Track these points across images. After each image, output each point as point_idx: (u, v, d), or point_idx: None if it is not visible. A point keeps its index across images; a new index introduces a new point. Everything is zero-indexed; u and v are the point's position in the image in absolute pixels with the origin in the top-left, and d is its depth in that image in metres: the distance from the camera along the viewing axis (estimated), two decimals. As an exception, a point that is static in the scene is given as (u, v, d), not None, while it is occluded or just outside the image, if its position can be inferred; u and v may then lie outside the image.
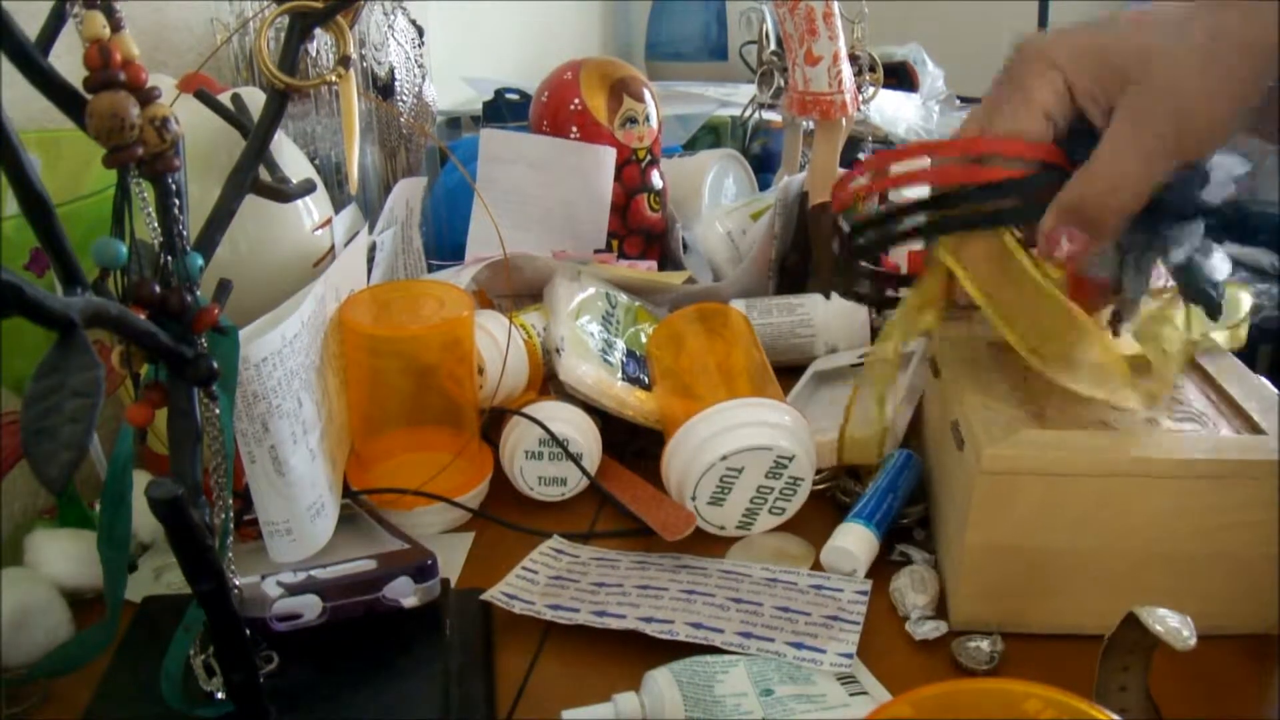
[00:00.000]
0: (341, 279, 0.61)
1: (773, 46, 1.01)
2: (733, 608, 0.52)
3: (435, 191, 0.95)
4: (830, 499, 0.64)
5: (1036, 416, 0.53)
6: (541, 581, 0.56)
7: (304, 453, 0.53)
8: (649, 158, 0.89)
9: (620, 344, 0.74)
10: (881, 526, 0.57)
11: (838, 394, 0.76)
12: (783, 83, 0.97)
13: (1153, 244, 0.46)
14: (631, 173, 0.87)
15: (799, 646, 0.49)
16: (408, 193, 0.78)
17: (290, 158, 0.67)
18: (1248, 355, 0.63)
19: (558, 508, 0.65)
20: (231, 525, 0.45)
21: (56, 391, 0.29)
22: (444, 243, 0.92)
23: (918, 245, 0.53)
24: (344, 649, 0.50)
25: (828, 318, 0.84)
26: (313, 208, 0.67)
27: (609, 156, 0.85)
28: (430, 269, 0.83)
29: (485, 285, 0.78)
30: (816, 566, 0.57)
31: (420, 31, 0.92)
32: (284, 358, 0.51)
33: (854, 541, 0.56)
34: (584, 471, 0.64)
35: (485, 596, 0.54)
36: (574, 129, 0.86)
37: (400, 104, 0.90)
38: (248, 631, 0.44)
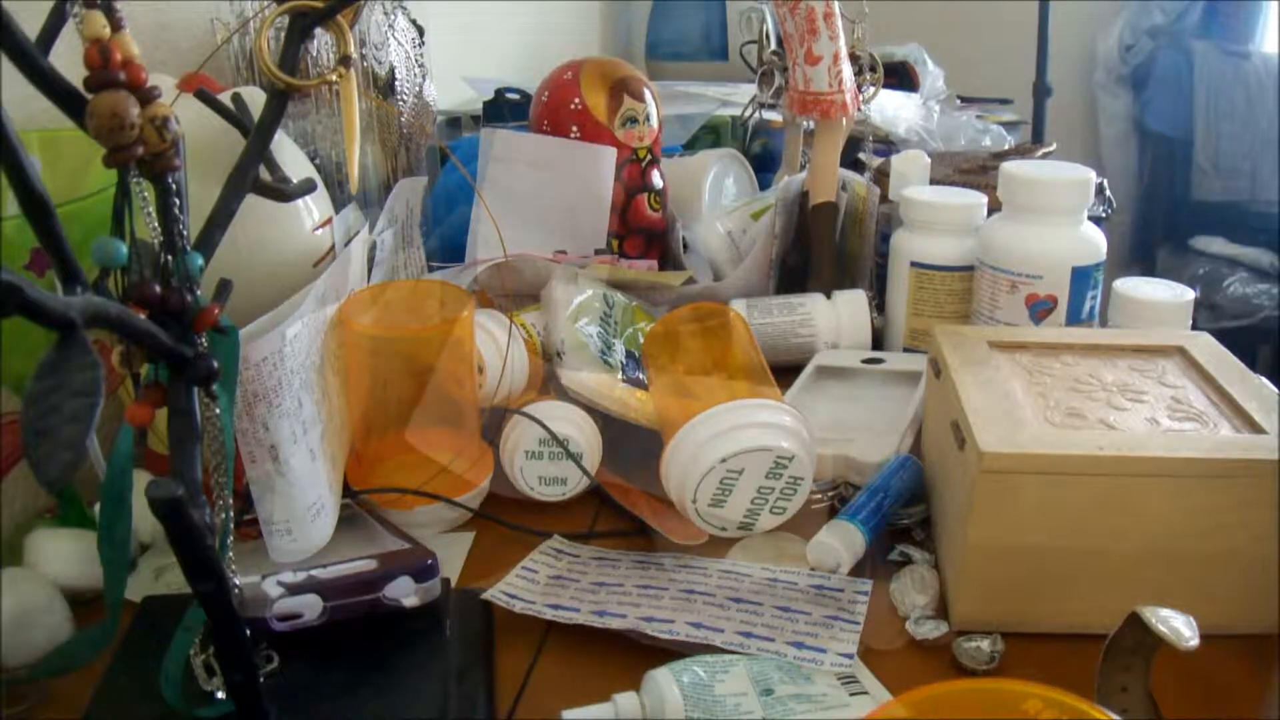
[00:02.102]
0: (341, 279, 0.61)
1: (773, 46, 1.01)
2: (733, 607, 0.52)
3: (435, 191, 0.95)
4: (830, 507, 0.64)
5: (1037, 415, 0.53)
6: (542, 581, 0.56)
7: (304, 452, 0.53)
8: (649, 157, 0.89)
9: (619, 345, 0.74)
10: (870, 524, 0.57)
11: (840, 391, 0.76)
12: (783, 82, 0.97)
13: None
14: (631, 172, 0.87)
15: (799, 646, 0.49)
16: (407, 192, 0.78)
17: (290, 157, 0.67)
18: (1248, 355, 0.63)
19: (558, 508, 0.65)
20: (231, 525, 0.45)
21: (56, 391, 0.29)
22: (444, 243, 0.92)
23: None
24: (344, 648, 0.50)
25: (829, 317, 0.84)
26: (313, 207, 0.67)
27: (611, 156, 0.85)
28: (430, 269, 0.83)
29: (486, 285, 0.78)
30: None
31: (420, 31, 0.92)
32: (284, 357, 0.51)
33: (837, 536, 0.56)
34: (584, 471, 0.64)
35: (485, 595, 0.54)
36: (574, 129, 0.86)
37: (400, 104, 0.90)
38: (248, 631, 0.44)
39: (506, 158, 0.85)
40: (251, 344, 0.49)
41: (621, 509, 0.63)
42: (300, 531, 0.52)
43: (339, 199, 0.78)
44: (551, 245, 0.85)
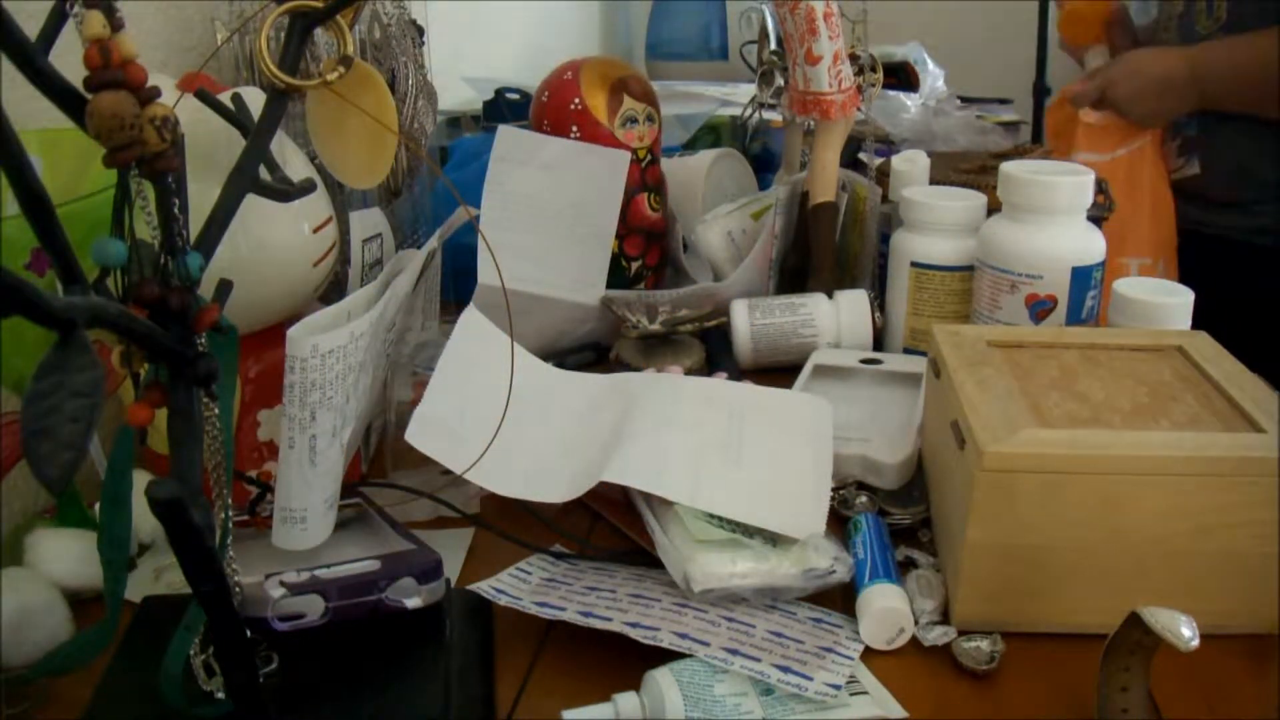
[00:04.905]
0: (405, 288, 0.61)
1: (773, 46, 1.01)
2: (723, 624, 0.51)
3: (436, 189, 0.95)
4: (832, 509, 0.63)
5: (1037, 415, 0.53)
6: (534, 582, 0.56)
7: (337, 447, 0.53)
8: (649, 157, 0.89)
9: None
10: (893, 574, 0.55)
11: (838, 390, 0.76)
12: (783, 82, 0.97)
13: None
14: (632, 172, 0.87)
15: (785, 670, 0.48)
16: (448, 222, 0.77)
17: (290, 157, 0.67)
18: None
19: (558, 511, 0.65)
20: (231, 525, 0.45)
21: (56, 391, 0.29)
22: (446, 243, 0.92)
23: None
24: (344, 648, 0.50)
25: (831, 317, 0.84)
26: (313, 207, 0.67)
27: (624, 160, 0.85)
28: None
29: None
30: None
31: (420, 31, 0.91)
32: (347, 353, 0.51)
33: (897, 598, 0.53)
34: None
35: (472, 587, 0.54)
36: (574, 129, 0.86)
37: (400, 104, 0.90)
38: (250, 631, 0.44)
39: (518, 159, 0.85)
40: (323, 335, 0.49)
41: (623, 509, 0.63)
42: (313, 523, 0.52)
43: (339, 199, 0.77)
44: (555, 246, 0.85)
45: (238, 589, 0.45)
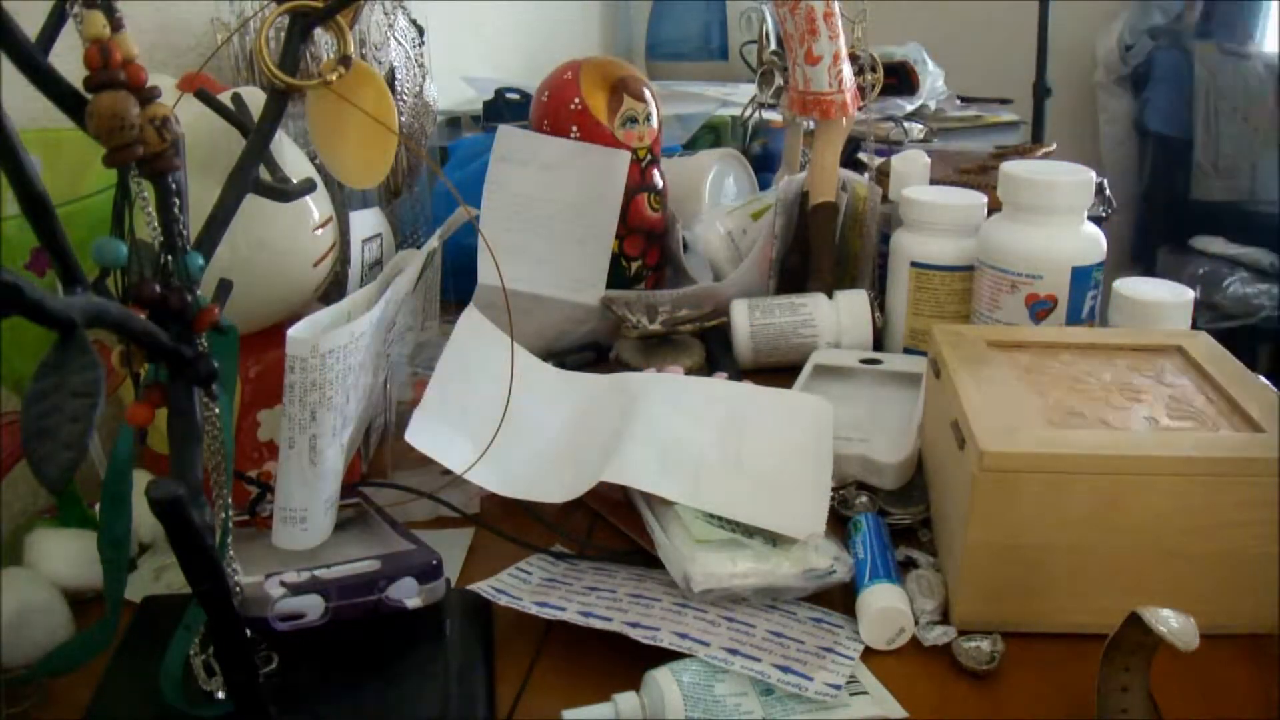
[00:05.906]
0: (406, 287, 0.61)
1: (773, 46, 1.01)
2: (723, 624, 0.51)
3: (436, 189, 0.95)
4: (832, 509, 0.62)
5: (1037, 415, 0.53)
6: (534, 582, 0.56)
7: (337, 447, 0.53)
8: (649, 157, 0.89)
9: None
10: (893, 574, 0.55)
11: (838, 390, 0.76)
12: (783, 82, 0.97)
13: None
14: (632, 172, 0.87)
15: (785, 670, 0.48)
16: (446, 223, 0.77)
17: (290, 157, 0.67)
18: (1248, 355, 0.63)
19: (558, 511, 0.65)
20: (231, 524, 0.45)
21: (56, 391, 0.29)
22: (446, 243, 0.92)
23: None
24: (344, 647, 0.50)
25: (831, 317, 0.84)
26: (313, 207, 0.67)
27: (624, 160, 0.85)
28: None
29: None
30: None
31: (420, 31, 0.91)
32: (348, 353, 0.51)
33: (897, 598, 0.53)
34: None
35: (473, 587, 0.54)
36: (574, 129, 0.86)
37: (400, 104, 0.90)
38: (250, 631, 0.44)
39: (519, 159, 0.85)
40: (324, 335, 0.49)
41: (623, 509, 0.63)
42: (313, 523, 0.52)
43: (339, 199, 0.77)
44: (555, 246, 0.85)
45: (238, 589, 0.45)
